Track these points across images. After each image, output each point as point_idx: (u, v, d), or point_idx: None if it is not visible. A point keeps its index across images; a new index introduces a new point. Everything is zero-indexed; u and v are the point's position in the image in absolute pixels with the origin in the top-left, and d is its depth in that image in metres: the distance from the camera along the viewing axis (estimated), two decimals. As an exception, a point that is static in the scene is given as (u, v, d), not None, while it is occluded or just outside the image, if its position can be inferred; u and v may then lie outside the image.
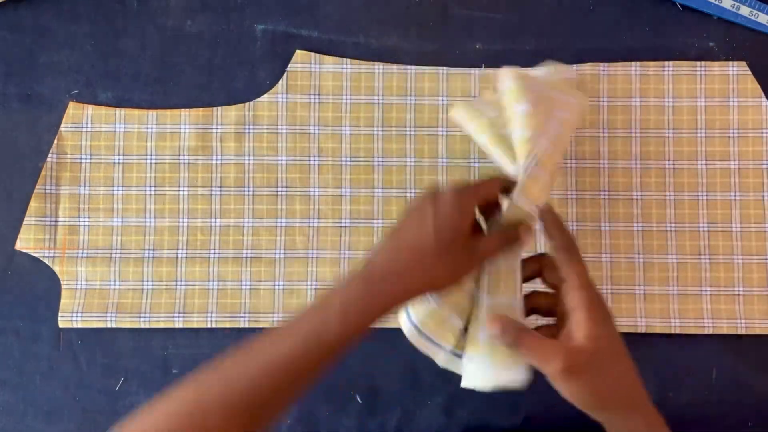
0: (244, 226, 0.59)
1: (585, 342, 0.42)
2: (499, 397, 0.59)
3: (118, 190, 0.59)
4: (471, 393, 0.59)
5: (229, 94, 0.61)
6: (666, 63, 0.59)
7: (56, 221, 0.59)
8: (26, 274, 0.60)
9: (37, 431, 0.60)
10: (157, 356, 0.60)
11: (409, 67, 0.60)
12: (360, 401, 0.60)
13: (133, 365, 0.60)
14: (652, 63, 0.59)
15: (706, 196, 0.58)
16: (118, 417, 0.60)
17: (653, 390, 0.58)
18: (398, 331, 0.60)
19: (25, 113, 0.61)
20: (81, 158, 0.60)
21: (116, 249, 0.59)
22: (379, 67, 0.60)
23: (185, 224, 0.59)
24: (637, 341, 0.58)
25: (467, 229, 0.44)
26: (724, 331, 0.57)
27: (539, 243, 0.57)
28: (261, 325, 0.58)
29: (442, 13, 0.61)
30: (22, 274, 0.60)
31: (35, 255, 0.58)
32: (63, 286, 0.58)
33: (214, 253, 0.59)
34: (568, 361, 0.42)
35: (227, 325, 0.58)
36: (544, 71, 0.53)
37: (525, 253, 0.47)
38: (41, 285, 0.60)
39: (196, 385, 0.41)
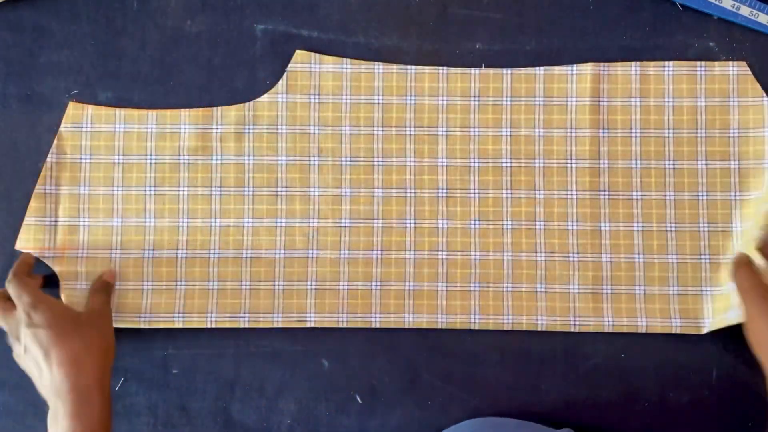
0: (244, 226, 0.59)
1: None
2: (499, 398, 0.59)
3: (117, 190, 0.59)
4: (470, 393, 0.60)
5: (229, 94, 0.61)
6: (666, 63, 0.59)
7: (56, 221, 0.59)
8: (26, 274, 0.60)
9: (37, 431, 0.60)
10: (157, 356, 0.60)
11: (409, 67, 0.60)
12: (360, 401, 0.60)
13: (133, 365, 0.60)
14: (652, 63, 0.59)
15: (707, 196, 0.58)
16: (118, 417, 0.60)
17: (653, 390, 0.58)
18: (398, 331, 0.60)
19: (25, 113, 0.61)
20: (81, 158, 0.60)
21: (116, 249, 0.59)
22: (379, 67, 0.60)
23: (185, 224, 0.59)
24: (637, 341, 0.58)
25: (60, 309, 0.53)
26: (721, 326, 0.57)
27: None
28: (261, 325, 0.58)
29: (442, 13, 0.61)
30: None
31: (35, 255, 0.58)
32: (63, 286, 0.58)
33: (214, 253, 0.59)
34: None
35: (227, 325, 0.58)
36: None
37: None
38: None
39: None
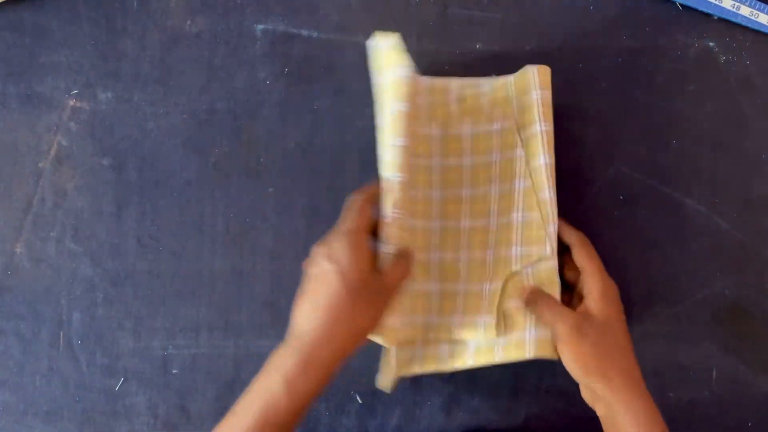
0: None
1: (595, 312, 0.50)
2: (499, 398, 0.59)
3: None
4: (470, 393, 0.60)
5: (229, 94, 0.61)
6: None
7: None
8: (26, 274, 0.60)
9: (37, 431, 0.60)
10: (157, 356, 0.60)
11: None
12: (360, 401, 0.60)
13: (133, 365, 0.60)
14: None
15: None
16: (118, 417, 0.60)
17: (653, 390, 0.58)
18: (398, 331, 0.60)
19: (25, 113, 0.61)
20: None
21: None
22: None
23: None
24: (637, 341, 0.58)
25: (369, 266, 0.47)
26: None
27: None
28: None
29: (442, 13, 0.61)
30: (22, 274, 0.60)
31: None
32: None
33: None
34: (577, 323, 0.49)
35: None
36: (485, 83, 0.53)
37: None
38: (41, 285, 0.60)
39: None
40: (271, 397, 0.45)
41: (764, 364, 0.59)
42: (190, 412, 0.60)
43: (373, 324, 0.47)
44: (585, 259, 0.52)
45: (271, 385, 0.45)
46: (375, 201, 0.50)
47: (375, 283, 0.47)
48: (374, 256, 0.49)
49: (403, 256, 0.49)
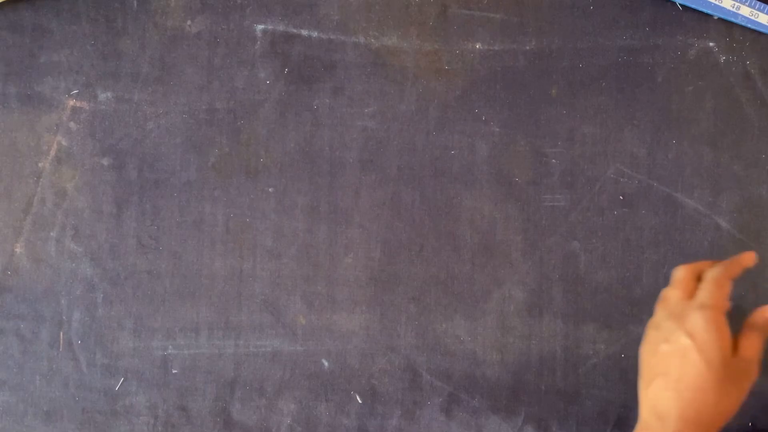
0: None
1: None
2: (499, 398, 0.59)
3: None
4: (470, 393, 0.60)
5: (229, 94, 0.61)
6: None
7: None
8: (26, 274, 0.60)
9: (37, 431, 0.60)
10: (157, 356, 0.60)
11: None
12: (360, 401, 0.60)
13: (133, 365, 0.60)
14: None
15: None
16: (118, 417, 0.60)
17: (653, 390, 0.58)
18: (398, 331, 0.60)
19: (25, 113, 0.61)
20: None
21: None
22: None
23: None
24: (637, 341, 0.58)
25: (729, 344, 0.43)
26: None
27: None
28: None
29: (442, 13, 0.61)
30: (22, 274, 0.60)
31: None
32: None
33: None
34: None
35: None
36: None
37: None
38: (41, 285, 0.60)
39: None
40: None
41: (764, 364, 0.59)
42: (190, 412, 0.60)
43: (737, 406, 0.44)
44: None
45: None
46: (731, 272, 0.47)
47: (735, 362, 0.44)
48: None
49: (753, 327, 0.46)
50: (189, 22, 0.61)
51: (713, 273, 0.46)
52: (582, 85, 0.60)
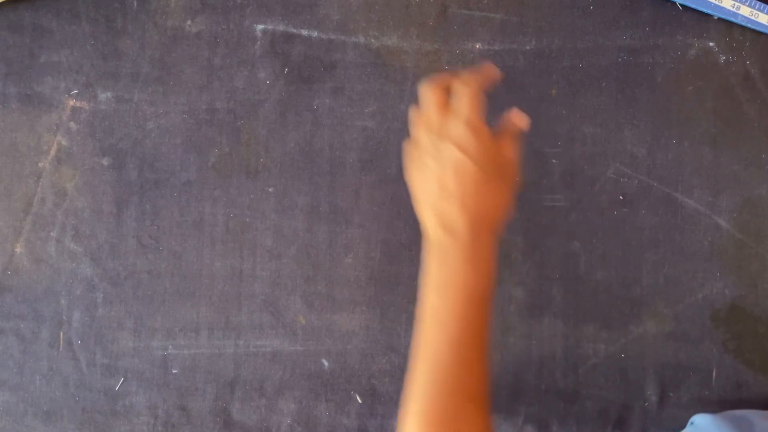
0: None
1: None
2: (499, 398, 0.59)
3: None
4: (471, 393, 0.60)
5: (229, 94, 0.61)
6: None
7: None
8: (26, 274, 0.60)
9: (37, 431, 0.60)
10: (157, 356, 0.60)
11: None
12: (360, 401, 0.60)
13: (133, 365, 0.60)
14: None
15: None
16: (118, 417, 0.60)
17: (653, 390, 0.58)
18: (398, 331, 0.60)
19: (25, 113, 0.61)
20: None
21: None
22: None
23: None
24: (637, 341, 0.58)
25: (494, 148, 0.47)
26: None
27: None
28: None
29: (442, 13, 0.61)
30: (22, 274, 0.60)
31: None
32: None
33: None
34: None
35: None
36: None
37: None
38: (41, 285, 0.60)
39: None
40: (465, 283, 0.45)
41: (764, 364, 0.59)
42: (190, 412, 0.60)
43: (510, 200, 0.47)
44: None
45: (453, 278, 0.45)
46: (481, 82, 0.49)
47: (500, 162, 0.47)
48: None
49: (506, 129, 0.49)
50: (189, 22, 0.61)
51: (465, 86, 0.48)
52: (582, 85, 0.60)
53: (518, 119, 0.50)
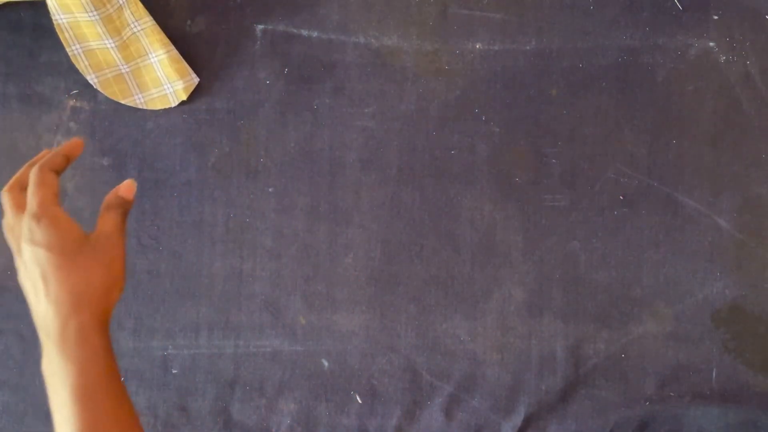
0: None
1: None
2: (499, 398, 0.59)
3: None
4: (470, 393, 0.60)
5: (229, 94, 0.61)
6: None
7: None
8: (26, 274, 0.60)
9: (36, 431, 0.60)
10: (157, 356, 0.60)
11: None
12: (360, 401, 0.60)
13: (133, 365, 0.60)
14: None
15: None
16: (118, 417, 0.60)
17: (653, 390, 0.58)
18: (398, 331, 0.60)
19: (25, 113, 0.61)
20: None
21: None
22: None
23: None
24: (637, 341, 0.58)
25: (76, 228, 0.44)
26: None
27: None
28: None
29: (442, 13, 0.61)
30: (22, 274, 0.60)
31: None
32: None
33: None
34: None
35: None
36: None
37: None
38: (41, 285, 0.60)
39: None
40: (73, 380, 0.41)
41: (764, 364, 0.59)
42: (190, 412, 0.60)
43: (112, 275, 0.44)
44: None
45: (59, 392, 0.41)
46: (53, 165, 0.46)
47: (94, 239, 0.44)
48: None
49: (107, 207, 0.47)
50: (189, 22, 0.61)
51: (33, 175, 0.45)
52: (582, 85, 0.60)
53: (125, 191, 0.48)
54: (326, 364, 0.60)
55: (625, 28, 0.60)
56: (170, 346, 0.60)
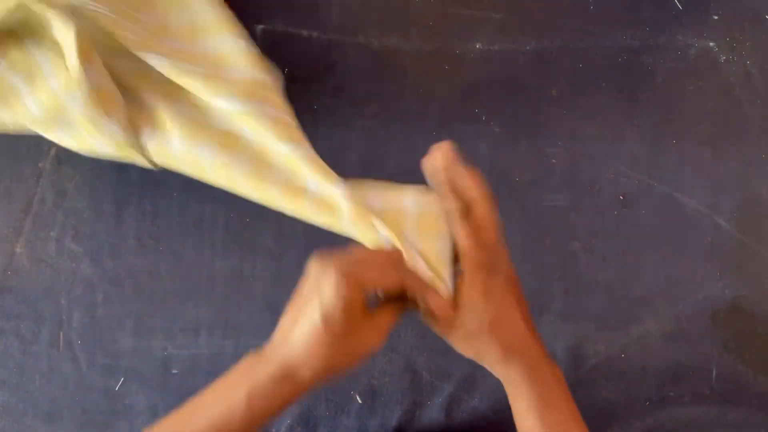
0: None
1: (461, 299, 0.46)
2: (499, 398, 0.59)
3: None
4: (470, 393, 0.60)
5: (229, 94, 0.61)
6: None
7: None
8: (26, 274, 0.60)
9: (37, 431, 0.60)
10: (157, 356, 0.60)
11: None
12: (360, 401, 0.60)
13: (133, 365, 0.60)
14: None
15: None
16: (118, 417, 0.60)
17: (653, 390, 0.58)
18: (398, 331, 0.60)
19: (25, 113, 0.61)
20: None
21: None
22: None
23: None
24: (637, 341, 0.58)
25: (357, 312, 0.43)
26: None
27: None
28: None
29: (442, 13, 0.61)
30: (22, 274, 0.60)
31: None
32: None
33: None
34: (447, 319, 0.46)
35: None
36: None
37: None
38: (41, 285, 0.60)
39: None
40: (230, 405, 0.44)
41: (764, 364, 0.59)
42: (190, 412, 0.60)
43: (351, 365, 0.45)
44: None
45: (233, 392, 0.44)
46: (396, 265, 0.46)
47: (361, 325, 0.44)
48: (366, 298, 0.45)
49: (393, 301, 0.46)
50: (189, 22, 0.61)
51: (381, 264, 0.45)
52: (582, 85, 0.60)
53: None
54: (326, 364, 0.60)
55: (625, 28, 0.60)
56: (170, 346, 0.60)
